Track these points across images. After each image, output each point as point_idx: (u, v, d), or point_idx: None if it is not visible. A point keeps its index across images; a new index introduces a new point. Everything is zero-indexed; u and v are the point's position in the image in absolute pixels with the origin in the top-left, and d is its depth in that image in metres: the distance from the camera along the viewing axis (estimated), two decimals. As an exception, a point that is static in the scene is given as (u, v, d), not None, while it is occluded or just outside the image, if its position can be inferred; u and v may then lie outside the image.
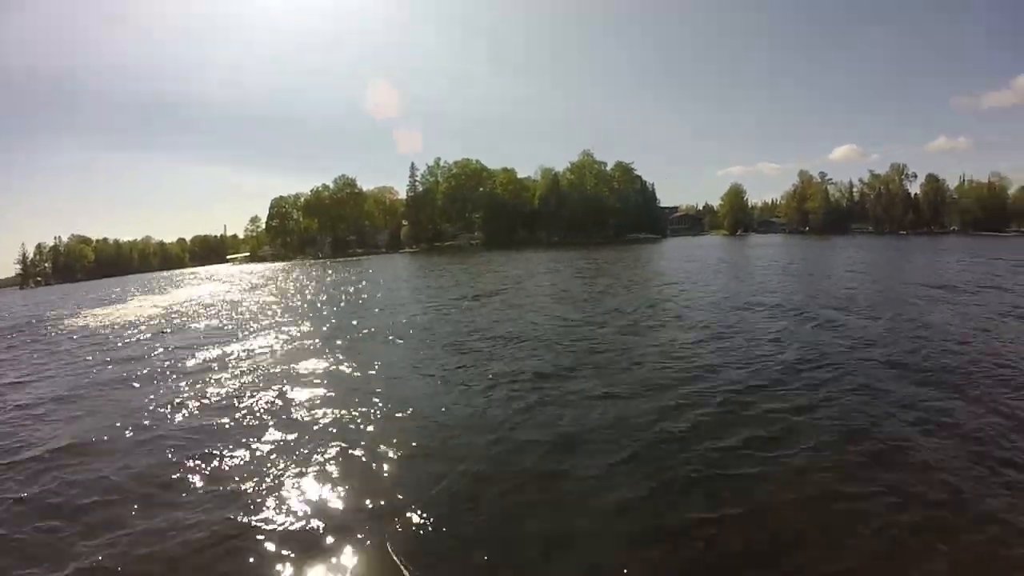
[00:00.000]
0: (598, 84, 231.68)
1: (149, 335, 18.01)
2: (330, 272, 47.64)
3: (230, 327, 17.82)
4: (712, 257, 40.93)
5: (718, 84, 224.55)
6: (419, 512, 5.30)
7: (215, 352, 13.47)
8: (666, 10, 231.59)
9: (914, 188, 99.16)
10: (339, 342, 13.87)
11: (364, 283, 33.74)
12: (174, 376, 11.34)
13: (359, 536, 4.98)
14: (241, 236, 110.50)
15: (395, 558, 4.63)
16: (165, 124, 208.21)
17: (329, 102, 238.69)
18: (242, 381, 10.39)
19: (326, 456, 6.66)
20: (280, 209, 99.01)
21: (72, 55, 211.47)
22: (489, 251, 76.74)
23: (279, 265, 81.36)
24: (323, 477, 6.14)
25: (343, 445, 6.94)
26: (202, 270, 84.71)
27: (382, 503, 5.50)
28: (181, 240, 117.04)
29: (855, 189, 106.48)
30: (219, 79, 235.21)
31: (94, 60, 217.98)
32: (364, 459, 6.53)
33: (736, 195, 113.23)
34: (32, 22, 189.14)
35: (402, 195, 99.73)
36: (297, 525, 5.20)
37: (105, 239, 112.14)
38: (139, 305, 30.82)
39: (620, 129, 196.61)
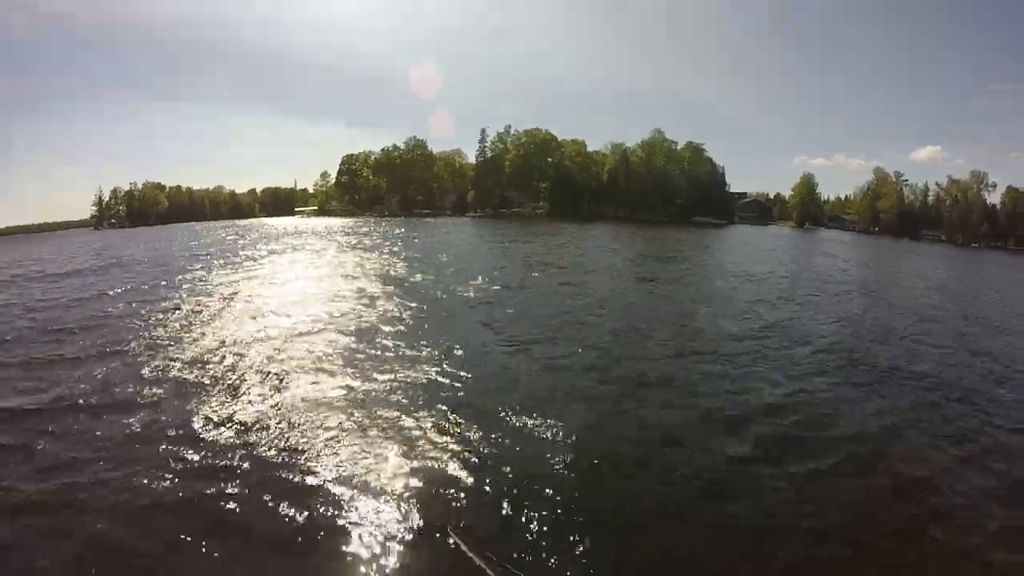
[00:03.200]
0: (677, 60, 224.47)
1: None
2: (414, 235, 47.69)
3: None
4: (779, 253, 39.21)
5: (805, 69, 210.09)
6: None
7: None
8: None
9: (994, 198, 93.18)
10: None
11: (447, 253, 30.84)
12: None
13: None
14: (311, 190, 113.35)
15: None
16: (241, 77, 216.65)
17: (404, 66, 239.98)
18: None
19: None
20: (350, 166, 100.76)
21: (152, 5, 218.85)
22: (554, 221, 76.40)
23: (349, 221, 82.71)
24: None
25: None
26: (275, 222, 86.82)
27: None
28: (252, 191, 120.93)
29: (930, 193, 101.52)
30: (302, 34, 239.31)
31: (175, 8, 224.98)
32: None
33: (807, 186, 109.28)
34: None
35: (471, 160, 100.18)
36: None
37: (179, 187, 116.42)
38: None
39: (694, 108, 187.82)
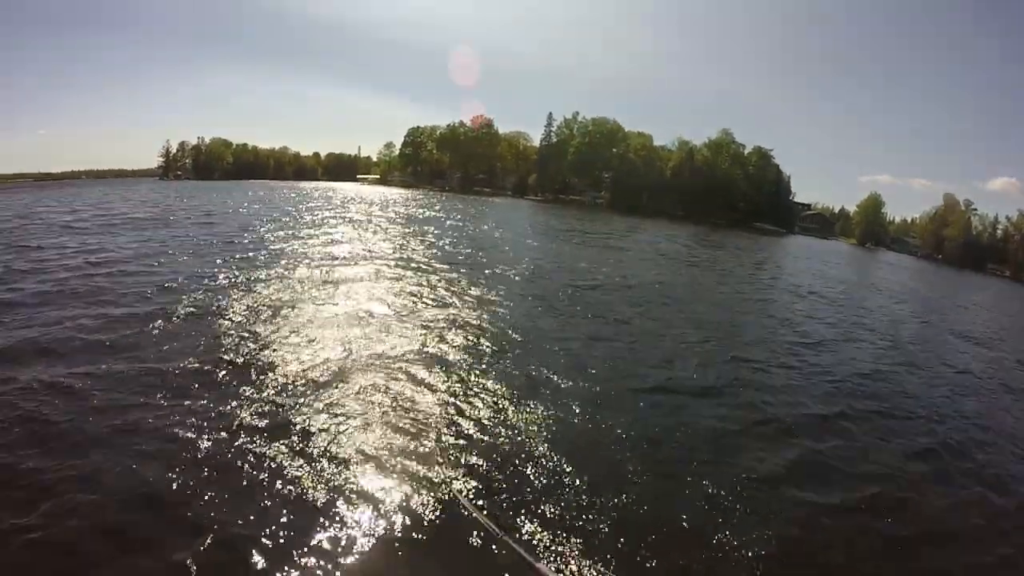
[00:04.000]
0: (753, 62, 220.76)
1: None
2: (470, 210, 48.19)
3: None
4: (840, 271, 37.15)
5: (884, 81, 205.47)
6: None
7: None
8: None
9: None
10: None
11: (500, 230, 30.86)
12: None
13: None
14: (374, 159, 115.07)
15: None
16: (310, 45, 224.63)
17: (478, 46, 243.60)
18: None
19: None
20: (415, 139, 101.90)
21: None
22: (614, 212, 75.93)
23: (410, 192, 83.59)
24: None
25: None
26: (337, 186, 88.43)
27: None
28: (316, 154, 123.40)
29: (999, 226, 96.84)
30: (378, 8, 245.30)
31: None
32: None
33: (873, 205, 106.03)
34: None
35: (535, 143, 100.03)
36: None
37: (245, 144, 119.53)
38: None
39: (766, 113, 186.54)
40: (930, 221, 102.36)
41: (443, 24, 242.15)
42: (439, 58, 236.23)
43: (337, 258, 17.23)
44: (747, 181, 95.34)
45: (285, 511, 4.66)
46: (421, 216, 37.70)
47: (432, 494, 5.06)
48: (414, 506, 4.90)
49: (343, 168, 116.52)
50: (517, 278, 16.25)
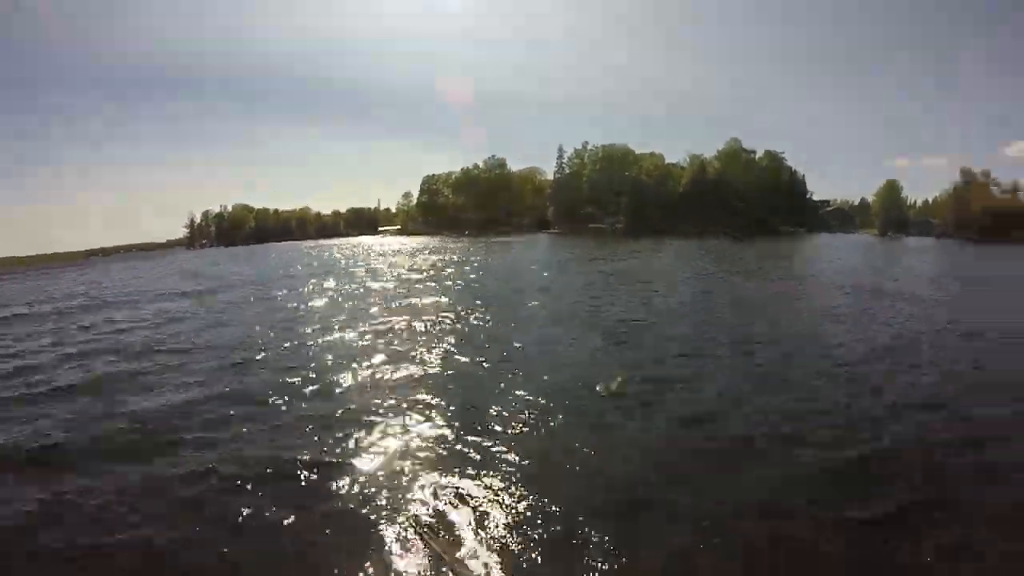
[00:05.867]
0: (754, 62, 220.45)
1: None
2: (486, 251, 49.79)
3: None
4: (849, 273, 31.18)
5: (888, 61, 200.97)
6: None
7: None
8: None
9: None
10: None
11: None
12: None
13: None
14: (393, 210, 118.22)
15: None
16: (322, 102, 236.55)
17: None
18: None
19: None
20: (431, 186, 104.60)
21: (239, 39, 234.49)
22: (633, 238, 76.83)
23: (427, 240, 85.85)
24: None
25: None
26: (362, 240, 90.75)
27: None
28: (336, 212, 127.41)
29: (1021, 192, 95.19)
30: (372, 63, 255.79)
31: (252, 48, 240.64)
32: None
33: (891, 191, 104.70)
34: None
35: (548, 177, 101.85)
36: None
37: (265, 208, 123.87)
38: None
39: (772, 115, 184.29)
40: (949, 198, 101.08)
41: (448, 67, 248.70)
42: (447, 105, 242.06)
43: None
44: (761, 187, 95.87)
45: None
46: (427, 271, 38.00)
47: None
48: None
49: (364, 222, 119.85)
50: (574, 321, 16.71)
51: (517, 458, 7.12)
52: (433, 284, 26.99)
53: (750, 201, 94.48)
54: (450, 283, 27.29)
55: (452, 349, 13.11)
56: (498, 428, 8.15)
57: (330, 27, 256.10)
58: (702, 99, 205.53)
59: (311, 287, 28.41)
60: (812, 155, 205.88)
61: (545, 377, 10.55)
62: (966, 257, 47.39)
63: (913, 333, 14.49)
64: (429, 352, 12.77)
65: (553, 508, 5.92)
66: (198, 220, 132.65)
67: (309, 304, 22.11)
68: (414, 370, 11.29)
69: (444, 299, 21.39)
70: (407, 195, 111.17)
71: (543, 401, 9.15)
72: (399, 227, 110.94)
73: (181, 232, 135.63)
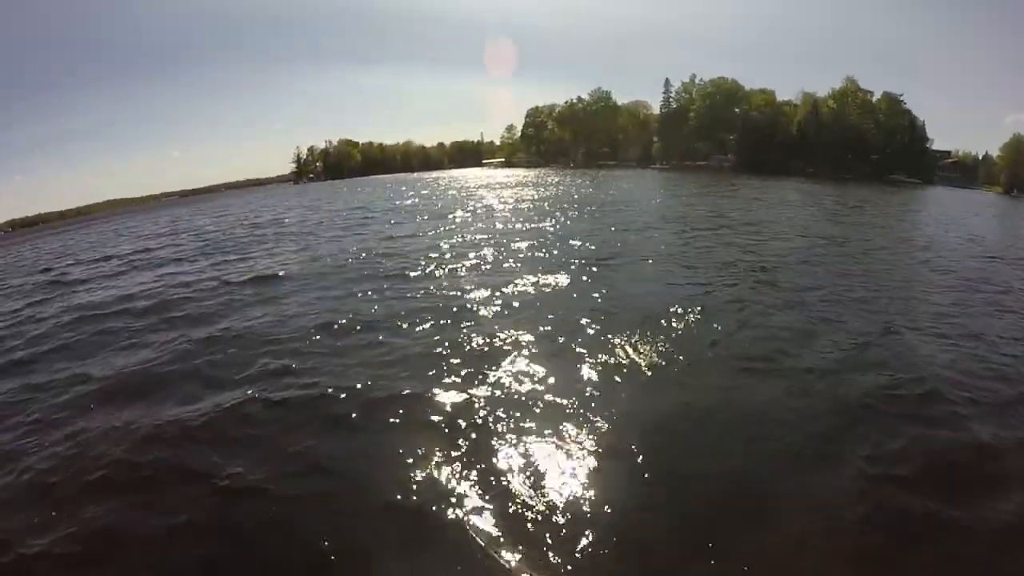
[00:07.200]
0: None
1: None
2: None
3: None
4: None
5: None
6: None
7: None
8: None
9: None
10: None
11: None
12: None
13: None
14: (497, 143, 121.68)
15: None
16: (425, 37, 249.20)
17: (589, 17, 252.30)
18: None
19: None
20: (535, 119, 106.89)
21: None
22: (741, 175, 76.08)
23: (534, 172, 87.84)
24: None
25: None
26: (462, 173, 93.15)
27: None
28: (440, 144, 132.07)
29: None
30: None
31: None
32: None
33: (1018, 146, 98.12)
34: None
35: (654, 111, 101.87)
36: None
37: (370, 142, 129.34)
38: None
39: (893, 53, 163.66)
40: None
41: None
42: (553, 38, 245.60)
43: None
44: (878, 131, 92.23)
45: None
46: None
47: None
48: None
49: (467, 155, 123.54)
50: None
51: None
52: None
53: (867, 145, 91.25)
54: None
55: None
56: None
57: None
58: (816, 34, 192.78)
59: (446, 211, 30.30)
60: (932, 102, 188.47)
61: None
62: None
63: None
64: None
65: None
66: (304, 155, 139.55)
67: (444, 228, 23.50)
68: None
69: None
70: (511, 128, 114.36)
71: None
72: (503, 160, 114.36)
73: (288, 168, 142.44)
